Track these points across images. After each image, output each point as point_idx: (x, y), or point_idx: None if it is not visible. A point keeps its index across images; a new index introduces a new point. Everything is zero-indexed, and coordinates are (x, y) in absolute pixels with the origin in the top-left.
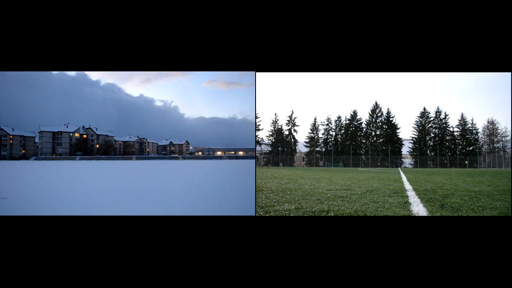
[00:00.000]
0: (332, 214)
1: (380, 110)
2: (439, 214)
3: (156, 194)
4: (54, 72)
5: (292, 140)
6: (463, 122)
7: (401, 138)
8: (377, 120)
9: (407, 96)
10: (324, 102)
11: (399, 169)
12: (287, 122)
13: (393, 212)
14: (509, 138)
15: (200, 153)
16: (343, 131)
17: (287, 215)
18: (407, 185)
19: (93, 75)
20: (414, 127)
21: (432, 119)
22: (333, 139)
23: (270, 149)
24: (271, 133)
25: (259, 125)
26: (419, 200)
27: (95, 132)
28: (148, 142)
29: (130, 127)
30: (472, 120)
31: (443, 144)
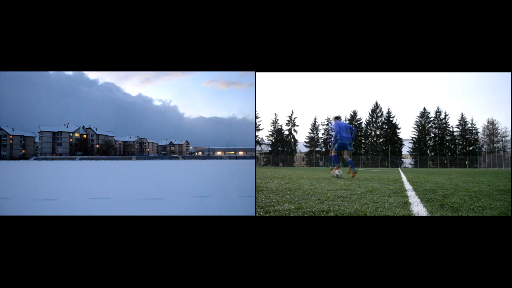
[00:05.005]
0: (332, 214)
1: (380, 110)
2: (439, 214)
3: (156, 194)
4: (50, 71)
5: (292, 140)
6: (463, 122)
7: (401, 138)
8: (377, 120)
9: (407, 96)
10: (324, 102)
11: (399, 169)
12: (287, 122)
13: (393, 212)
14: (509, 138)
15: (200, 153)
16: None
17: (287, 215)
18: (407, 185)
19: (91, 74)
20: (414, 127)
21: (432, 119)
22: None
23: (270, 149)
24: (271, 133)
25: (259, 125)
26: (419, 200)
27: (95, 132)
28: (148, 142)
29: (129, 127)
30: (472, 120)
31: (443, 144)
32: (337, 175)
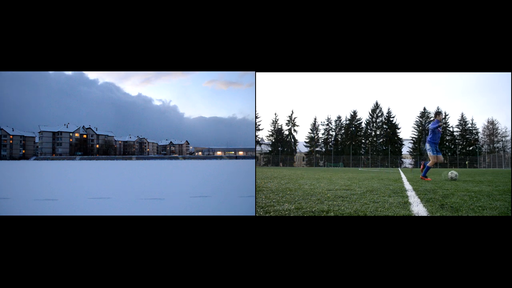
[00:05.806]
0: (332, 214)
1: (380, 110)
2: (439, 214)
3: (156, 194)
4: (50, 71)
5: (292, 140)
6: (463, 122)
7: (401, 138)
8: (377, 120)
9: (407, 96)
10: (324, 102)
11: (399, 169)
12: (287, 122)
13: (393, 212)
14: (509, 138)
15: (200, 153)
16: (343, 131)
17: (287, 215)
18: (407, 185)
19: (91, 74)
20: (414, 127)
21: (432, 119)
22: (333, 139)
23: (270, 149)
24: (271, 133)
25: (259, 125)
26: (419, 200)
27: (95, 132)
28: (148, 142)
29: (129, 127)
30: (472, 120)
31: (443, 144)
32: (452, 177)
